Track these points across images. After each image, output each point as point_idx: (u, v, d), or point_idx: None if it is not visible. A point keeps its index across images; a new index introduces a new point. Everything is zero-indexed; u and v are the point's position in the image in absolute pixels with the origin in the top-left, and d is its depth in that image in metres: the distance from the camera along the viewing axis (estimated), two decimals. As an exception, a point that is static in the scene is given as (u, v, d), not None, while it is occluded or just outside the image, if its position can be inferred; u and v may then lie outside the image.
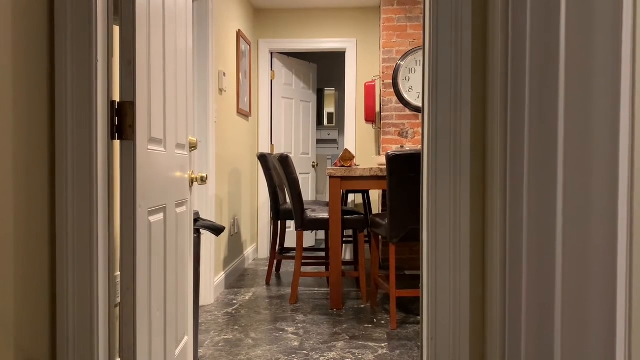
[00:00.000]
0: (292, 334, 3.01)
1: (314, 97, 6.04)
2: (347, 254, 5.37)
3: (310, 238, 5.86)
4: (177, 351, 2.03)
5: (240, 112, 4.62)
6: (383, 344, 2.83)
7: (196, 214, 2.39)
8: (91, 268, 1.46)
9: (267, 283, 4.29)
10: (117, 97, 1.56)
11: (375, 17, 5.32)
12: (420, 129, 4.52)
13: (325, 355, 2.67)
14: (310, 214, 3.75)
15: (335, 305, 3.52)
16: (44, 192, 1.42)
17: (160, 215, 1.79)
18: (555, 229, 1.04)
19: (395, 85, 4.81)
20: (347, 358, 2.62)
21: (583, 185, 0.93)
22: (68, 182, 1.45)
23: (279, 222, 4.54)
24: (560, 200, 1.02)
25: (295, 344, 2.84)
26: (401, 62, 4.80)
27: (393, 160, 3.08)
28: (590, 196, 0.90)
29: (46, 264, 1.44)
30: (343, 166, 3.65)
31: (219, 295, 3.86)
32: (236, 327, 3.13)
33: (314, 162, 5.99)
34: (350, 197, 5.31)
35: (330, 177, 3.47)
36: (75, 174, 1.45)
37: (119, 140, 1.55)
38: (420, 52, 4.73)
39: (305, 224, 3.70)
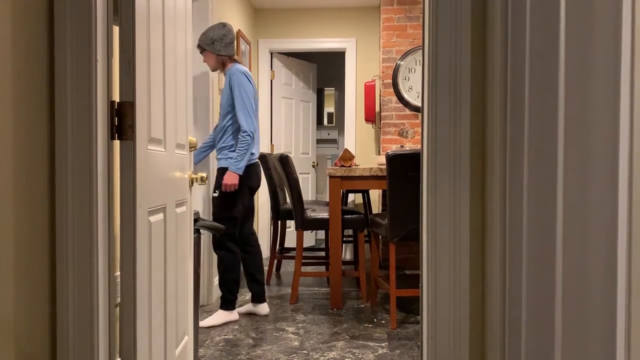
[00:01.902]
0: (292, 333, 3.01)
1: (313, 97, 6.04)
2: (347, 254, 5.37)
3: (310, 238, 5.86)
4: (177, 351, 2.03)
5: (240, 112, 4.61)
6: (383, 344, 2.83)
7: (196, 214, 2.39)
8: (91, 268, 1.46)
9: (267, 283, 4.29)
10: (116, 97, 1.56)
11: (375, 17, 5.32)
12: (419, 129, 4.52)
13: (325, 354, 2.67)
14: (310, 213, 3.75)
15: (336, 304, 3.53)
16: (44, 191, 1.42)
17: (160, 215, 1.79)
18: (555, 228, 1.04)
19: (395, 85, 4.81)
20: (347, 358, 2.63)
21: (583, 184, 0.93)
22: (68, 182, 1.45)
23: (279, 221, 4.54)
24: (560, 199, 1.02)
25: (296, 343, 2.84)
26: (401, 62, 4.80)
27: (393, 160, 3.08)
28: (590, 194, 0.90)
29: (46, 263, 1.44)
30: (343, 166, 3.65)
31: (219, 295, 3.85)
32: (236, 327, 3.13)
33: (313, 162, 5.99)
34: (350, 196, 5.32)
35: (330, 177, 3.47)
36: (75, 174, 1.45)
37: (118, 141, 1.55)
38: (420, 52, 4.72)
39: (305, 224, 3.70)
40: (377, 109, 5.12)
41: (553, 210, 1.05)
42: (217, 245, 3.25)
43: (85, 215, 1.46)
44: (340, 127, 7.47)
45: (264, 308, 3.39)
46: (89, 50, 1.45)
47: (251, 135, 3.12)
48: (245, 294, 3.89)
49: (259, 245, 3.46)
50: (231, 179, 3.11)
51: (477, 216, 1.61)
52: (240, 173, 3.13)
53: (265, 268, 4.87)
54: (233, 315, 3.26)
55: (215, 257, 3.77)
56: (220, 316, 3.21)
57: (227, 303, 3.24)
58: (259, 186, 3.36)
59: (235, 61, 3.29)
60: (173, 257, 1.95)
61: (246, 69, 3.26)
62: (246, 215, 3.35)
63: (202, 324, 3.15)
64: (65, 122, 1.45)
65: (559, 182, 1.02)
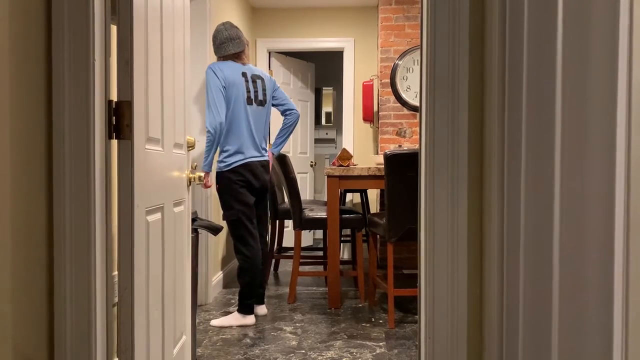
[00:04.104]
0: (290, 333, 3.01)
1: (312, 97, 6.04)
2: (345, 253, 5.37)
3: (308, 237, 5.86)
4: (175, 350, 2.03)
5: (238, 112, 4.61)
6: (381, 343, 2.83)
7: (194, 213, 2.39)
8: (89, 267, 1.46)
9: (265, 282, 4.29)
10: (114, 97, 1.55)
11: (373, 17, 5.32)
12: (417, 129, 4.53)
13: (323, 354, 2.67)
14: (309, 213, 3.75)
15: (334, 304, 3.53)
16: (42, 191, 1.42)
17: (158, 215, 1.79)
18: (552, 228, 1.04)
19: (393, 84, 4.81)
20: (345, 357, 2.63)
21: (580, 184, 0.93)
22: (65, 181, 1.45)
23: (277, 221, 4.54)
24: (557, 199, 1.02)
25: (294, 343, 2.84)
26: (399, 62, 4.80)
27: (391, 160, 3.08)
28: (587, 195, 0.90)
29: (44, 263, 1.43)
30: (341, 165, 3.65)
31: (217, 295, 3.85)
32: (234, 327, 3.13)
33: (312, 162, 5.99)
34: (349, 196, 5.32)
35: (328, 176, 3.47)
36: (72, 174, 1.45)
37: (116, 140, 1.55)
38: (418, 52, 4.72)
39: (303, 224, 3.70)
40: (375, 108, 5.12)
41: (550, 209, 1.05)
42: (234, 249, 3.22)
43: (82, 215, 1.45)
44: (338, 127, 7.47)
45: (261, 309, 3.38)
46: (87, 49, 1.45)
47: (212, 131, 3.02)
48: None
49: (261, 247, 3.42)
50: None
51: (475, 216, 1.61)
52: (207, 170, 3.08)
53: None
54: (247, 319, 3.17)
55: (213, 256, 3.77)
56: (232, 318, 3.17)
57: (241, 307, 3.18)
58: (260, 186, 3.23)
59: (233, 60, 3.21)
60: (171, 257, 1.95)
61: (222, 62, 3.16)
62: (251, 221, 3.21)
63: (213, 322, 3.16)
64: (63, 121, 1.45)
65: (556, 182, 1.02)
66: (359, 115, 5.31)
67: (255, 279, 3.19)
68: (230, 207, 3.15)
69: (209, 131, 3.04)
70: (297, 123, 3.40)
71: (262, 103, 3.27)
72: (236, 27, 3.25)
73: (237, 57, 3.23)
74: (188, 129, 2.20)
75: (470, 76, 1.59)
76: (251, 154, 3.18)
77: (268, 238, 5.32)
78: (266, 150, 3.31)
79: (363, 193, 4.77)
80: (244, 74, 3.19)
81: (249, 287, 3.18)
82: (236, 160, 3.13)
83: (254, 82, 3.23)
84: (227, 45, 3.20)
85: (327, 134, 7.53)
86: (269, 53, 5.42)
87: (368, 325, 3.17)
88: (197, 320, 3.15)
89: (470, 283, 1.62)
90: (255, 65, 5.37)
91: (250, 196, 3.19)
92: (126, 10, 1.51)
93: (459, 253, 1.61)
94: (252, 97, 3.20)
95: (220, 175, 3.16)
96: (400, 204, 3.10)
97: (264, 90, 3.29)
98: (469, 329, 1.62)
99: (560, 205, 1.01)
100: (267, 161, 3.30)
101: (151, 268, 1.71)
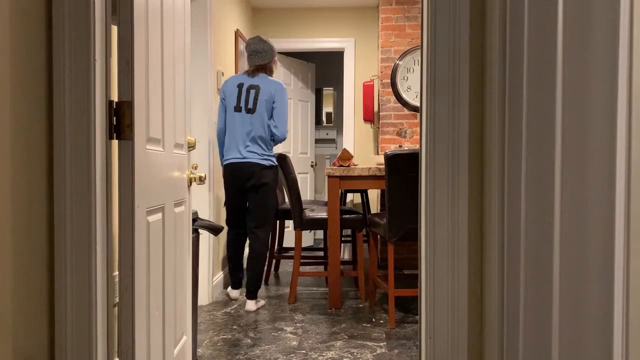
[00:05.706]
0: (291, 333, 3.01)
1: (312, 97, 6.04)
2: (345, 254, 5.37)
3: (308, 238, 5.86)
4: (176, 351, 2.03)
5: (239, 112, 4.61)
6: (381, 343, 2.83)
7: (195, 213, 2.39)
8: (89, 267, 1.46)
9: (266, 282, 4.29)
10: (115, 97, 1.55)
11: (374, 17, 5.32)
12: (418, 129, 4.53)
13: (323, 354, 2.67)
14: (309, 213, 3.75)
15: (334, 304, 3.53)
16: (42, 191, 1.42)
17: (159, 215, 1.79)
18: (553, 228, 1.04)
19: (393, 84, 4.81)
20: (346, 357, 2.63)
21: (580, 184, 0.93)
22: (66, 181, 1.45)
23: (277, 221, 4.54)
24: (557, 199, 1.02)
25: (294, 343, 2.84)
26: (399, 62, 4.80)
27: (391, 160, 3.08)
28: (587, 195, 0.90)
29: (44, 263, 1.44)
30: (342, 166, 3.65)
31: (218, 295, 3.86)
32: (234, 327, 3.13)
33: (312, 162, 5.99)
34: (349, 196, 5.32)
35: (329, 176, 3.47)
36: (73, 174, 1.45)
37: (117, 140, 1.55)
38: (419, 52, 4.72)
39: (303, 224, 3.70)
40: (376, 108, 5.12)
41: (551, 209, 1.05)
42: None
43: (83, 215, 1.45)
44: (339, 127, 7.47)
45: (233, 293, 3.74)
46: (87, 49, 1.45)
47: (216, 134, 3.68)
48: (243, 294, 3.90)
49: (252, 244, 3.60)
50: None
51: (476, 216, 1.61)
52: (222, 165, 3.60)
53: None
54: (232, 293, 3.71)
55: (213, 256, 3.77)
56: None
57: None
58: (238, 185, 3.50)
59: (248, 71, 3.56)
60: (171, 257, 1.95)
61: (234, 75, 3.66)
62: (231, 211, 3.62)
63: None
64: (64, 122, 1.45)
65: (557, 182, 1.02)
66: (359, 116, 5.31)
67: (230, 256, 3.67)
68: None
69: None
70: (279, 142, 3.71)
71: (250, 110, 3.50)
72: (263, 42, 3.55)
73: (256, 68, 3.56)
74: (189, 129, 2.20)
75: (471, 75, 1.59)
76: (232, 155, 3.51)
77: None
78: (253, 153, 3.49)
79: (363, 193, 4.77)
80: (239, 85, 3.51)
81: (228, 262, 3.70)
82: (224, 159, 3.58)
83: (247, 92, 3.50)
84: (253, 58, 3.57)
85: (327, 134, 7.53)
86: (270, 53, 5.42)
87: (369, 325, 3.17)
88: (197, 320, 3.15)
89: (470, 283, 1.62)
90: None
91: (234, 190, 3.58)
92: (127, 10, 1.51)
93: (460, 253, 1.61)
94: (242, 105, 3.49)
95: None
96: (400, 204, 3.10)
97: (255, 99, 3.51)
98: (470, 329, 1.62)
99: (560, 205, 1.01)
100: (251, 162, 3.47)
101: (152, 268, 1.72)
